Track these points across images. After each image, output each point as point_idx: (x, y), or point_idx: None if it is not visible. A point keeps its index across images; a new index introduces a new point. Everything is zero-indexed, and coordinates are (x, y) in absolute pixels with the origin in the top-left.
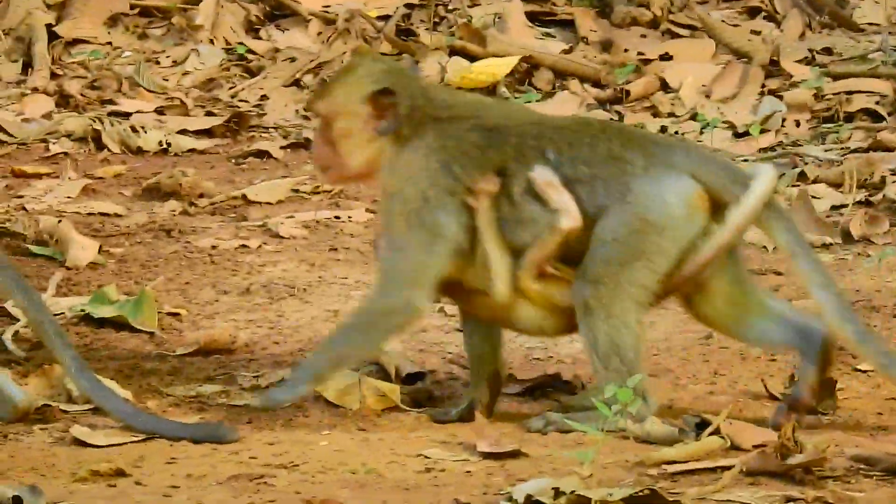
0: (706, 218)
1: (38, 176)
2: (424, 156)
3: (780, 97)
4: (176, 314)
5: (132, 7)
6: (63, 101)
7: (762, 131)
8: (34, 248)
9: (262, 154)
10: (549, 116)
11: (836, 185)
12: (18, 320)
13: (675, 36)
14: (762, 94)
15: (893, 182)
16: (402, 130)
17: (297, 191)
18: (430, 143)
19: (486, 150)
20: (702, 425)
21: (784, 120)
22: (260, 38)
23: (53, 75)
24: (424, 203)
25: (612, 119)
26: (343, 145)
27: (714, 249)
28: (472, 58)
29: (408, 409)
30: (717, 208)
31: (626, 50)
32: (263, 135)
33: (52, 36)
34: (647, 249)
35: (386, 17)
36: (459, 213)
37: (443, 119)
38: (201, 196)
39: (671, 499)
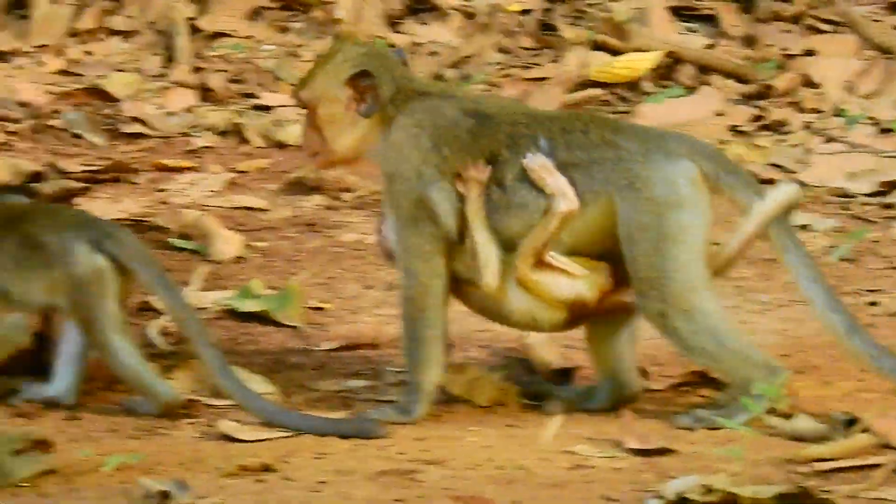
0: (708, 202)
1: (181, 170)
2: (414, 134)
3: None
4: (321, 309)
5: (273, 0)
6: (205, 94)
7: None
8: (177, 242)
9: None
10: (538, 109)
11: None
12: (163, 314)
13: (817, 31)
14: None
15: None
16: (386, 111)
17: None
18: (419, 119)
19: (477, 136)
20: (850, 422)
21: None
22: (401, 32)
23: (195, 69)
24: (418, 179)
25: (758, 114)
26: (328, 130)
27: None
28: (614, 52)
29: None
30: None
31: (768, 45)
32: None
33: (194, 29)
34: (674, 230)
35: (527, 12)
36: (449, 194)
37: (432, 96)
38: (346, 190)
39: (822, 497)
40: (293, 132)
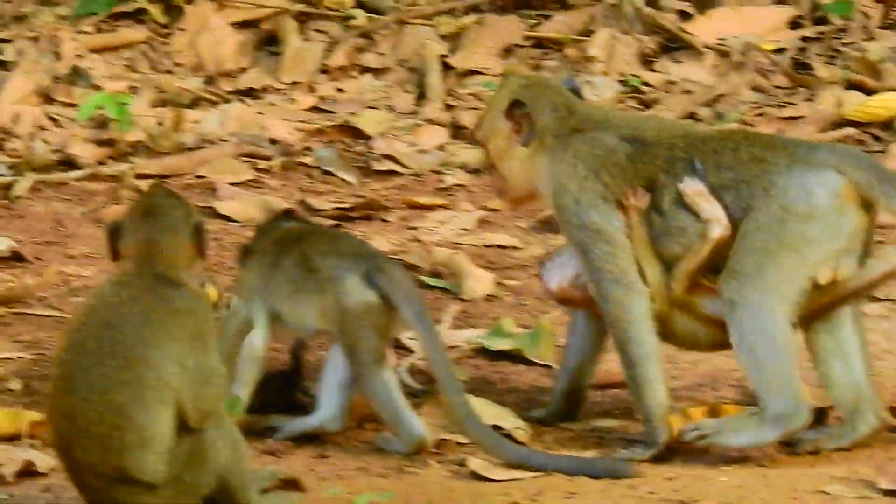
0: (858, 213)
1: (433, 207)
2: (572, 164)
3: None
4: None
5: (526, 38)
6: (456, 132)
7: None
8: (429, 280)
9: None
10: (694, 128)
11: None
12: (414, 352)
13: None
14: None
15: None
16: (547, 141)
17: None
18: (576, 151)
19: (636, 162)
20: None
21: None
22: (654, 71)
23: (447, 106)
24: (577, 206)
25: None
26: (500, 166)
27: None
28: (869, 92)
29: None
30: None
31: None
32: None
33: (446, 67)
34: (792, 239)
35: (781, 50)
36: (612, 215)
37: (589, 129)
38: None
39: None
40: None
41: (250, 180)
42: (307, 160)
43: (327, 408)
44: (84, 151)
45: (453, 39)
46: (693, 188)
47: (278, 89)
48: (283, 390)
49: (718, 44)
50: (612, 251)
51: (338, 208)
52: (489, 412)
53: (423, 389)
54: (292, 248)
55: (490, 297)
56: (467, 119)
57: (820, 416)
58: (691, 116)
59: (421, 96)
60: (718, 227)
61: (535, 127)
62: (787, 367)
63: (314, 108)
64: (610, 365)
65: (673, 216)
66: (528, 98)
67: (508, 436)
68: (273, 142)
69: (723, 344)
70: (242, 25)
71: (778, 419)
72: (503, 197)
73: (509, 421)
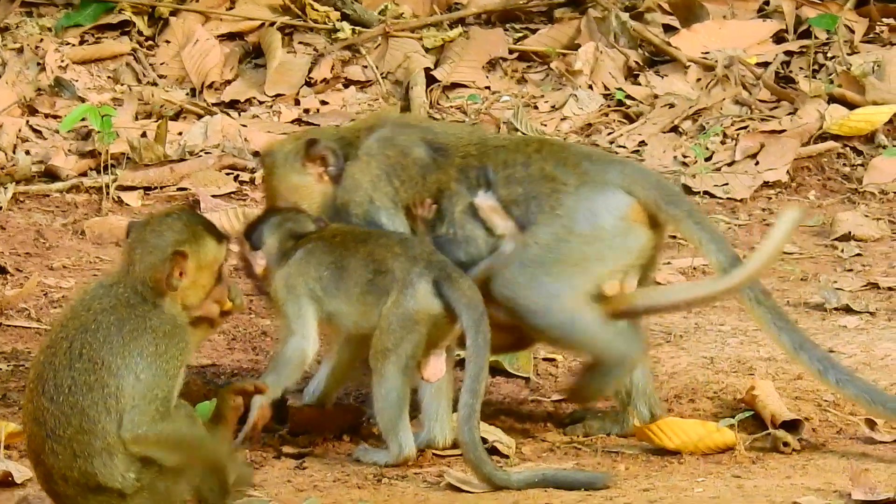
0: (646, 231)
1: None
2: (366, 162)
3: None
4: (552, 360)
5: (511, 52)
6: None
7: None
8: None
9: None
10: (490, 136)
11: None
12: None
13: None
14: None
15: None
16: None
17: (674, 237)
18: (368, 149)
19: (429, 167)
20: None
21: None
22: (639, 84)
23: (431, 119)
24: (370, 205)
25: None
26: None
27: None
28: (851, 106)
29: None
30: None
31: None
32: None
33: (430, 80)
34: (573, 258)
35: (765, 64)
36: (400, 221)
37: (382, 126)
38: None
39: None
40: None
41: (233, 192)
42: None
43: (432, 425)
44: (66, 163)
45: (438, 52)
46: (487, 203)
47: (262, 102)
48: (278, 403)
49: (703, 57)
50: None
51: None
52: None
53: None
54: (357, 249)
55: None
56: None
57: (796, 427)
58: (674, 130)
59: (406, 109)
60: (510, 244)
61: (338, 155)
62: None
63: (298, 121)
64: None
65: (461, 225)
66: (317, 134)
67: (493, 449)
68: (256, 154)
69: (514, 346)
70: (227, 38)
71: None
72: None
73: (493, 434)
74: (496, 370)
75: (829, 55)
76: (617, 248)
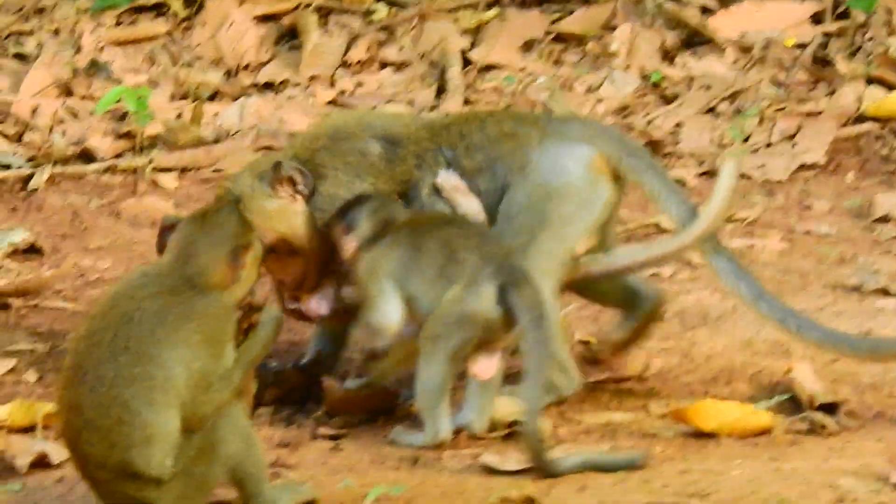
0: (609, 185)
1: None
2: (332, 174)
3: None
4: (587, 342)
5: (547, 33)
6: None
7: None
8: None
9: (677, 182)
10: (436, 117)
11: None
12: None
13: None
14: None
15: None
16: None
17: None
18: (327, 162)
19: (390, 162)
20: None
21: None
22: (675, 66)
23: (466, 101)
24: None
25: None
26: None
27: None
28: (890, 87)
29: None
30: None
31: None
32: (678, 162)
33: (466, 61)
34: (552, 218)
35: (803, 46)
36: None
37: (336, 140)
38: None
39: None
40: None
41: None
42: None
43: (471, 410)
44: (102, 144)
45: (474, 34)
46: (449, 182)
47: (298, 83)
48: (301, 384)
49: (740, 39)
50: None
51: None
52: (510, 407)
53: None
54: (433, 233)
55: None
56: None
57: (833, 410)
58: (711, 111)
59: (441, 91)
60: (475, 220)
61: (306, 175)
62: (558, 343)
63: (333, 102)
64: (625, 358)
65: (431, 208)
66: (272, 159)
67: None
68: (292, 136)
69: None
70: (263, 19)
71: (550, 388)
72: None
73: None
74: None
75: (867, 36)
76: (587, 201)
